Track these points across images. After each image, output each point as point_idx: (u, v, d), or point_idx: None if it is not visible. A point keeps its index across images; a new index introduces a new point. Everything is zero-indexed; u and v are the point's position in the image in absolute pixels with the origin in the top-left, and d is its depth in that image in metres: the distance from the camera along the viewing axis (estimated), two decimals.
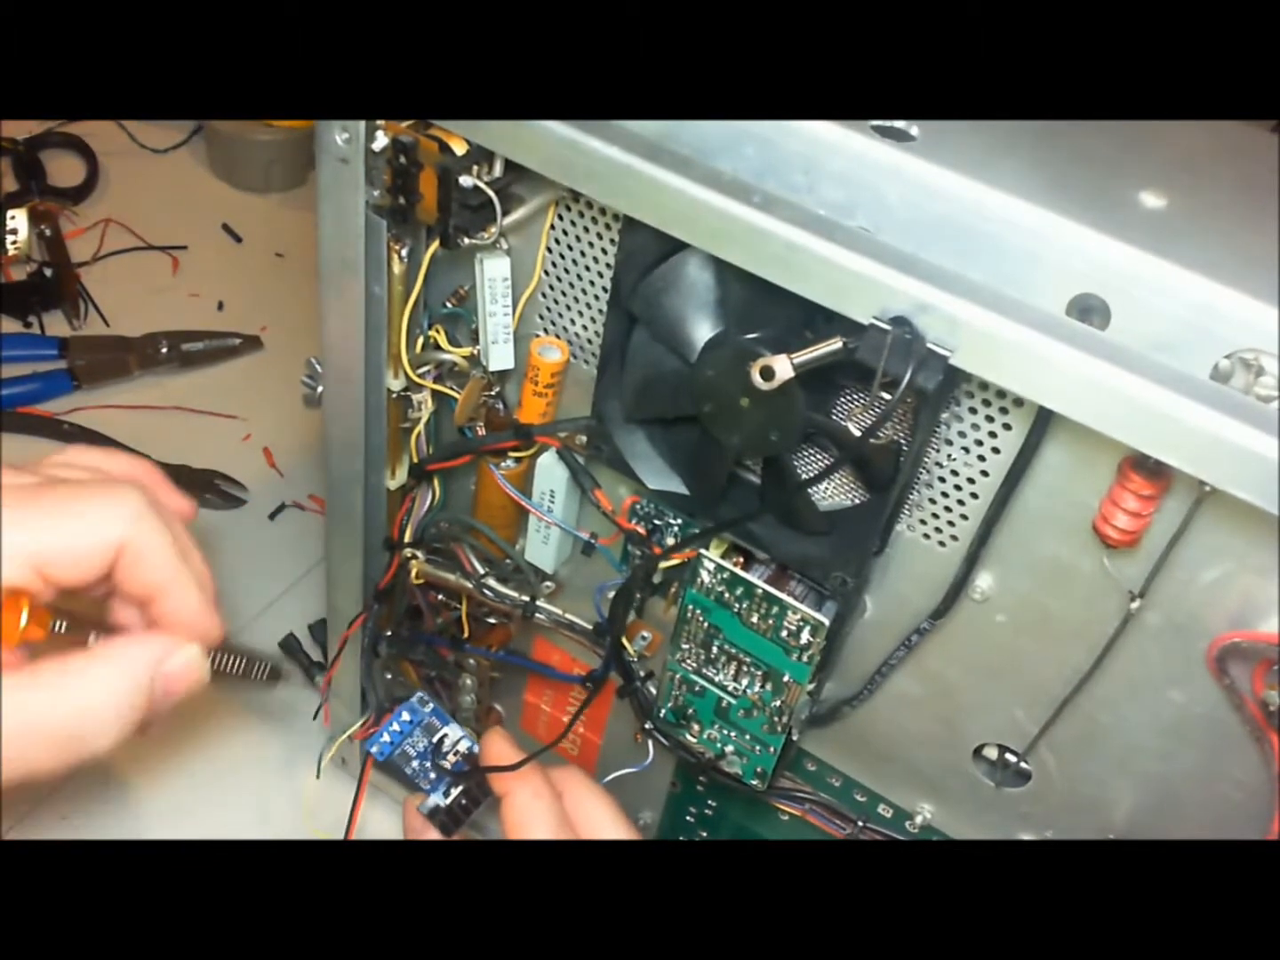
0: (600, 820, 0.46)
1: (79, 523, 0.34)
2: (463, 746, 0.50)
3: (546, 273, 0.43)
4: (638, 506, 0.46)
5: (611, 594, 0.47)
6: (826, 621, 0.40)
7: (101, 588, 0.37)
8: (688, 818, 0.55)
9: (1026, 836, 0.44)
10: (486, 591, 0.50)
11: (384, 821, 0.63)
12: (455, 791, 0.49)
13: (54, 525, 0.34)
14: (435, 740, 0.51)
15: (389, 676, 0.58)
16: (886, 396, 0.33)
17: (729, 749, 0.46)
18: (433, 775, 0.50)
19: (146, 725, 0.37)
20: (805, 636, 0.41)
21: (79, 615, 0.38)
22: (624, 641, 0.48)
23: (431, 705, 0.51)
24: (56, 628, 0.37)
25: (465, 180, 0.39)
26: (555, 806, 0.45)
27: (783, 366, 0.34)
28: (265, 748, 0.66)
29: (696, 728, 0.47)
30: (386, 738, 0.51)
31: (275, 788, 0.64)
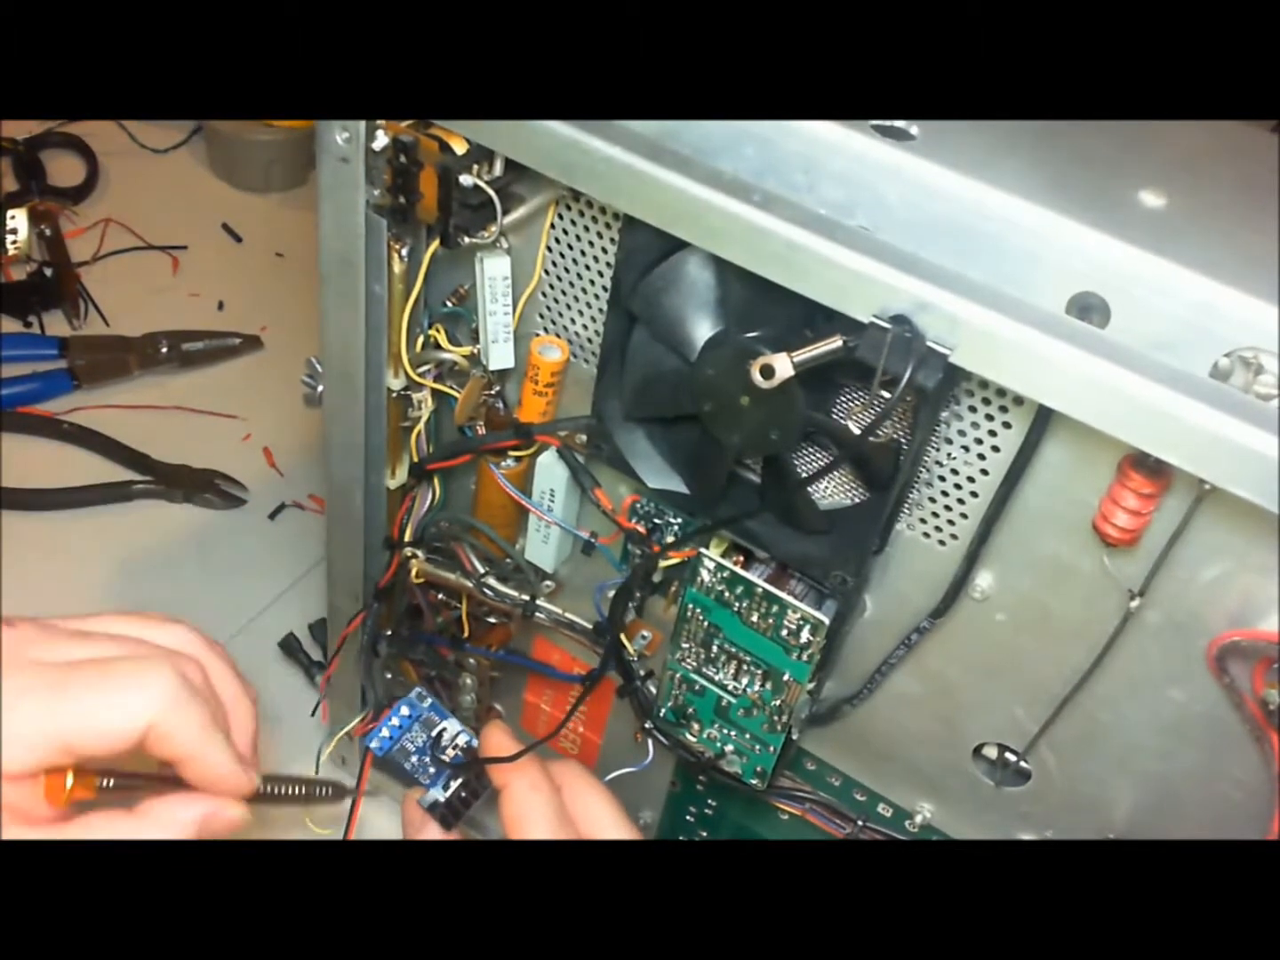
0: (599, 814, 0.46)
1: (106, 709, 0.36)
2: (461, 741, 0.50)
3: (547, 272, 0.43)
4: (638, 505, 0.46)
5: (611, 593, 0.47)
6: (826, 620, 0.40)
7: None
8: (688, 817, 0.55)
9: (1026, 836, 0.44)
10: (486, 591, 0.50)
11: (383, 820, 0.63)
12: (454, 785, 0.49)
13: (81, 712, 0.35)
14: (434, 735, 0.51)
15: (389, 676, 0.58)
16: (886, 395, 0.33)
17: (729, 748, 0.46)
18: (432, 770, 0.50)
19: None
20: (805, 635, 0.41)
21: (125, 771, 0.39)
22: (624, 641, 0.48)
23: (430, 700, 0.51)
24: (104, 784, 0.38)
25: (465, 179, 0.39)
26: (554, 800, 0.45)
27: (783, 365, 0.34)
28: (265, 746, 0.66)
29: (696, 727, 0.47)
30: (385, 733, 0.51)
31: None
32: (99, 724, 0.35)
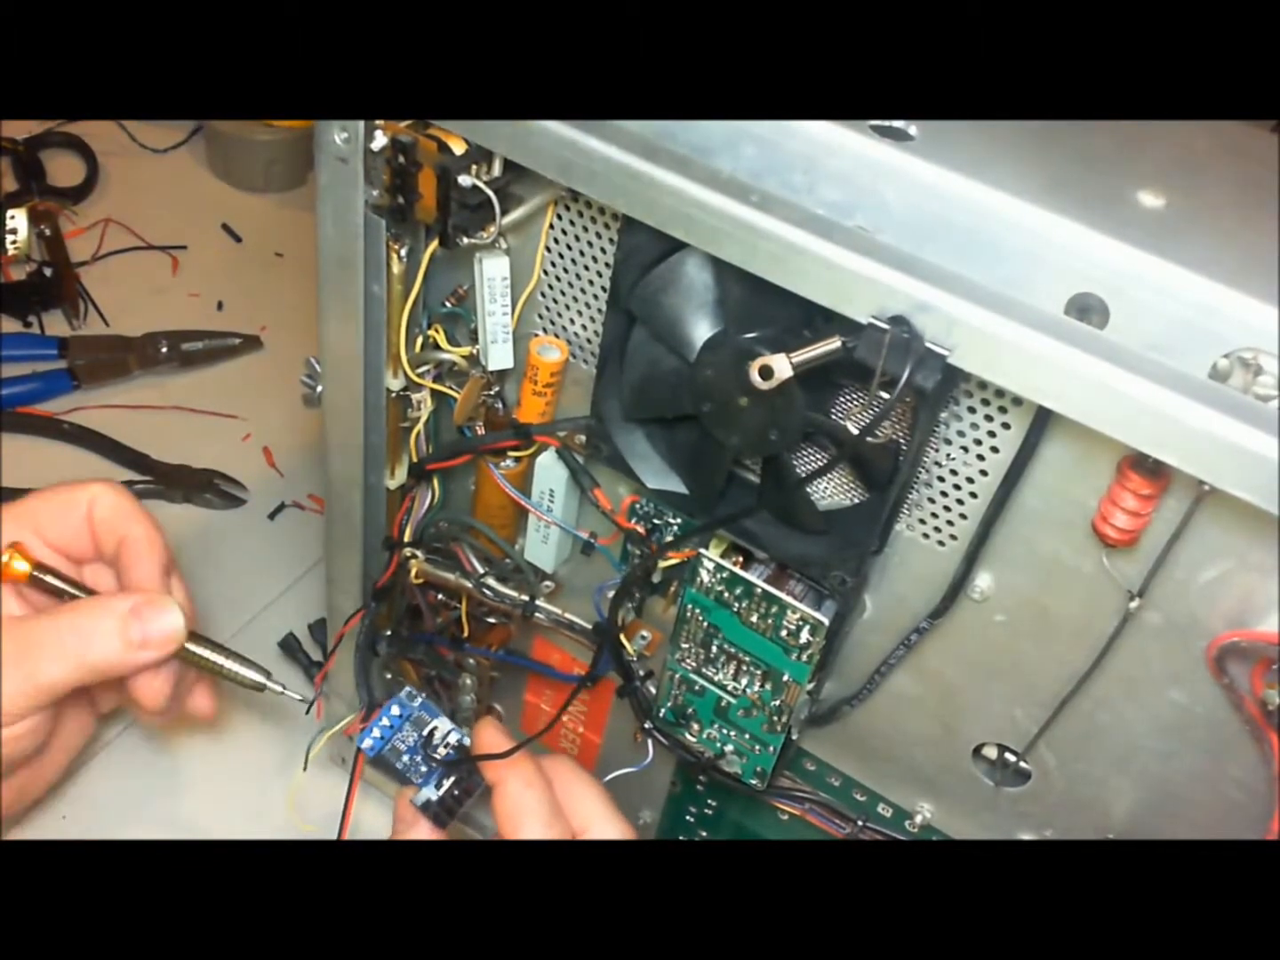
0: (591, 809, 0.46)
1: (61, 491, 0.50)
2: (453, 739, 0.50)
3: (545, 272, 0.43)
4: (637, 506, 0.46)
5: (611, 593, 0.47)
6: (826, 621, 0.40)
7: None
8: (688, 818, 0.55)
9: (1026, 836, 0.44)
10: (486, 591, 0.50)
11: (378, 818, 0.63)
12: (447, 783, 0.49)
13: (43, 496, 0.49)
14: (425, 734, 0.51)
15: (389, 676, 0.58)
16: (885, 396, 0.33)
17: (728, 748, 0.46)
18: (424, 769, 0.50)
19: (150, 698, 0.47)
20: (805, 636, 0.41)
21: (61, 573, 0.49)
22: (623, 641, 0.48)
23: (420, 699, 0.51)
24: (42, 577, 0.48)
25: (464, 180, 0.39)
26: (547, 796, 0.45)
27: (781, 366, 0.34)
28: (264, 747, 0.67)
29: (696, 727, 0.47)
30: (376, 732, 0.51)
31: (272, 786, 0.64)
32: (54, 497, 0.49)
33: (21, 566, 0.47)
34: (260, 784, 0.65)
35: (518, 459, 0.47)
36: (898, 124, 0.35)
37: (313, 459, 0.82)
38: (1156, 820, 0.40)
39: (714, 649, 0.44)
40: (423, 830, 0.49)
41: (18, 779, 0.47)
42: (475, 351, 0.45)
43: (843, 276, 0.32)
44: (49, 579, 0.48)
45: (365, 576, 0.54)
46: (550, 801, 0.45)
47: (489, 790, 0.46)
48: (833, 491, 0.41)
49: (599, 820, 0.46)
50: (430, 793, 0.49)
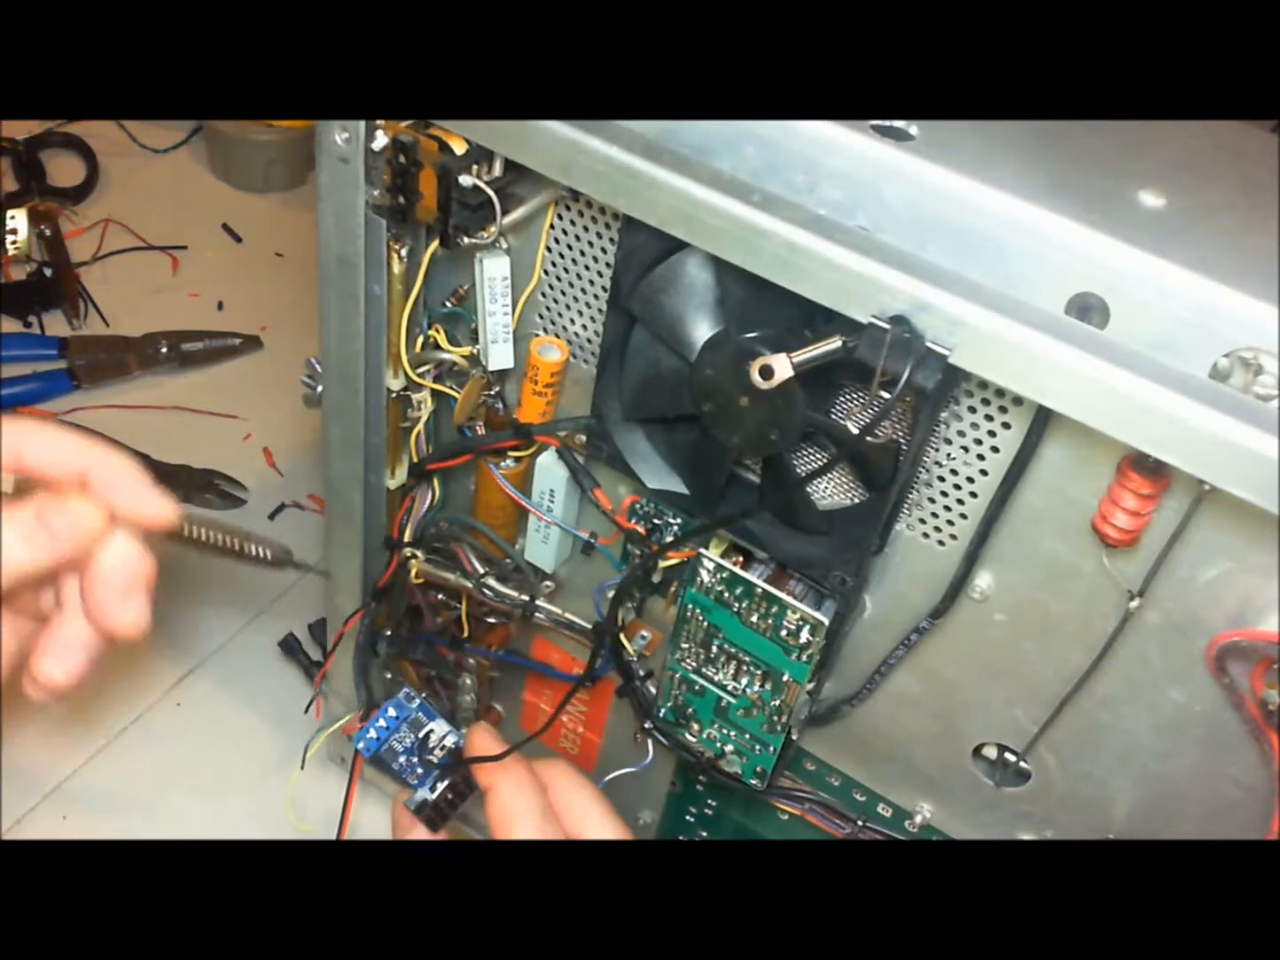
0: (586, 812, 0.46)
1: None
2: (449, 741, 0.51)
3: (546, 272, 0.43)
4: (637, 506, 0.46)
5: (611, 593, 0.47)
6: (826, 621, 0.40)
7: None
8: (688, 817, 0.55)
9: (1026, 836, 0.44)
10: (486, 591, 0.50)
11: (378, 817, 0.63)
12: (441, 786, 0.49)
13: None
14: (421, 735, 0.51)
15: (389, 676, 0.58)
16: (885, 395, 0.33)
17: (729, 748, 0.46)
18: (420, 770, 0.50)
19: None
20: (805, 636, 0.41)
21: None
22: (623, 641, 0.48)
23: (418, 700, 0.51)
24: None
25: (465, 179, 0.39)
26: (539, 800, 0.45)
27: (782, 365, 0.34)
28: (263, 746, 0.67)
29: (696, 727, 0.47)
30: (373, 733, 0.51)
31: (272, 785, 0.64)
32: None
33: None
34: (260, 783, 0.65)
35: (518, 459, 0.47)
36: (898, 124, 0.35)
37: (313, 459, 0.82)
38: (1156, 820, 0.40)
39: (714, 649, 0.44)
40: (419, 835, 0.48)
41: None
42: (475, 351, 0.45)
43: (844, 276, 0.32)
44: None
45: (365, 576, 0.54)
46: (543, 805, 0.45)
47: (484, 793, 0.46)
48: (833, 491, 0.41)
49: (594, 823, 0.46)
50: (425, 794, 0.49)
